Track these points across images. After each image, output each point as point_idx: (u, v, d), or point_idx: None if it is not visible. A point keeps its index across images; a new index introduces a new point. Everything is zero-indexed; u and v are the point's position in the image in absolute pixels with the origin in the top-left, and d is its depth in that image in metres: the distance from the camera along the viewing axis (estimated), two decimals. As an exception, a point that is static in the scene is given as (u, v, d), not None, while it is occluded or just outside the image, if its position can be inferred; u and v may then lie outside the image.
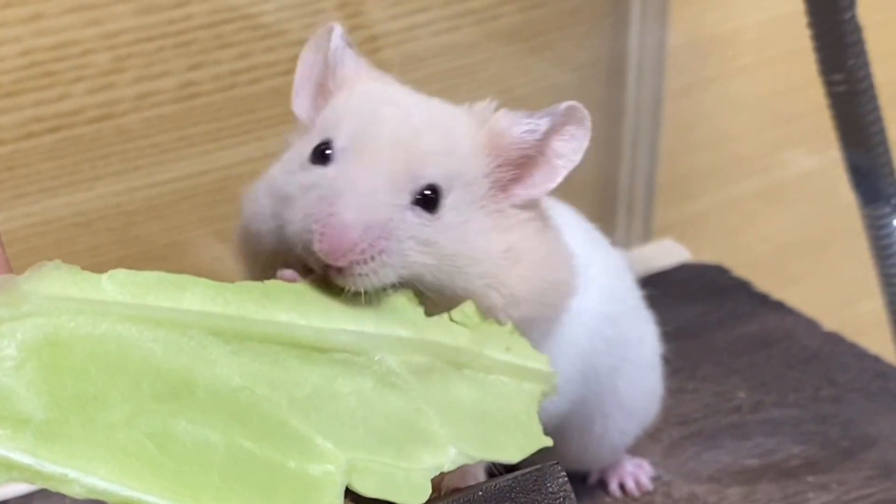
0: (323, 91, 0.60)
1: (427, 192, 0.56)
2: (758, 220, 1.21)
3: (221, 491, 0.48)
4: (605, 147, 1.09)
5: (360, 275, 0.54)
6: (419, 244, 0.55)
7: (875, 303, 0.98)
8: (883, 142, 0.85)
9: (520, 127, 0.58)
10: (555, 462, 0.56)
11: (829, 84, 0.83)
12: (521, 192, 0.59)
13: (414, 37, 0.97)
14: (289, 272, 0.55)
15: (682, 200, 1.16)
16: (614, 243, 1.10)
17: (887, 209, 0.87)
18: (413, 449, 0.52)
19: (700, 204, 1.17)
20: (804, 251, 1.24)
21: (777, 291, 1.01)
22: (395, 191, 0.55)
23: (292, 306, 0.53)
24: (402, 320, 0.55)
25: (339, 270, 0.53)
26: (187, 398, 0.50)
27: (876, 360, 0.90)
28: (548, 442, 0.56)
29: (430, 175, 0.56)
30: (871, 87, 0.83)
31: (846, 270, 1.17)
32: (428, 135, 0.57)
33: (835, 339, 0.93)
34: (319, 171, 0.56)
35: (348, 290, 0.54)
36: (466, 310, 0.57)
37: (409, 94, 0.60)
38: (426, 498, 0.52)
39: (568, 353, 0.65)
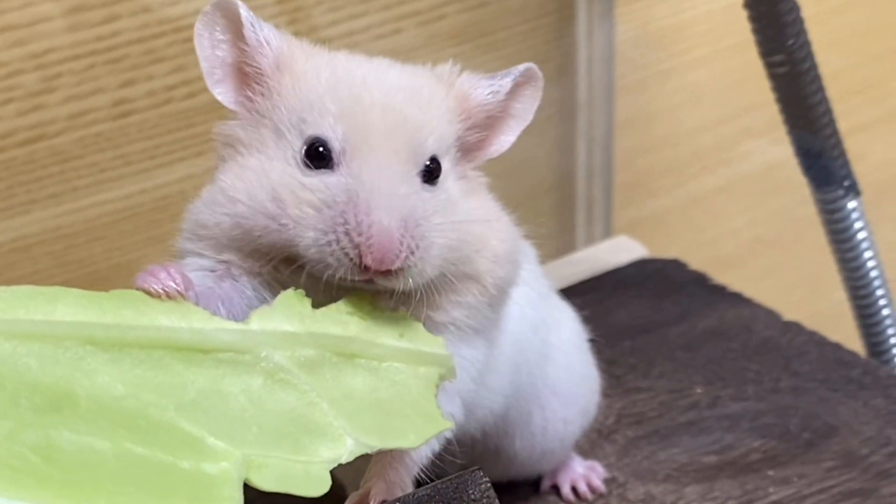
0: (245, 74, 0.58)
1: (429, 164, 0.56)
2: (721, 214, 1.19)
3: (114, 496, 0.48)
4: (560, 146, 1.07)
5: (408, 270, 0.54)
6: (440, 219, 0.55)
7: (843, 294, 0.96)
8: (831, 122, 0.83)
9: (484, 89, 0.59)
10: (477, 468, 0.56)
11: (770, 66, 0.81)
12: (480, 154, 0.60)
13: (355, 42, 0.95)
14: None
15: (642, 198, 1.14)
16: (576, 244, 1.10)
17: (840, 192, 0.85)
18: (309, 443, 0.52)
19: (662, 200, 1.15)
20: (770, 245, 1.22)
21: (743, 287, 0.98)
22: (409, 177, 0.55)
23: (172, 309, 0.52)
24: (287, 315, 0.54)
25: (387, 274, 0.54)
26: (69, 409, 0.49)
27: (837, 347, 0.88)
28: (448, 425, 0.55)
29: (430, 148, 0.56)
30: (813, 66, 0.81)
31: (814, 262, 1.14)
32: (416, 109, 0.56)
33: (795, 329, 0.90)
34: (326, 176, 0.55)
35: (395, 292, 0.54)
36: (356, 299, 0.56)
37: (369, 66, 0.59)
38: (326, 489, 0.51)
39: (500, 345, 0.64)
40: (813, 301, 1.16)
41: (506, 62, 1.02)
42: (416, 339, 0.56)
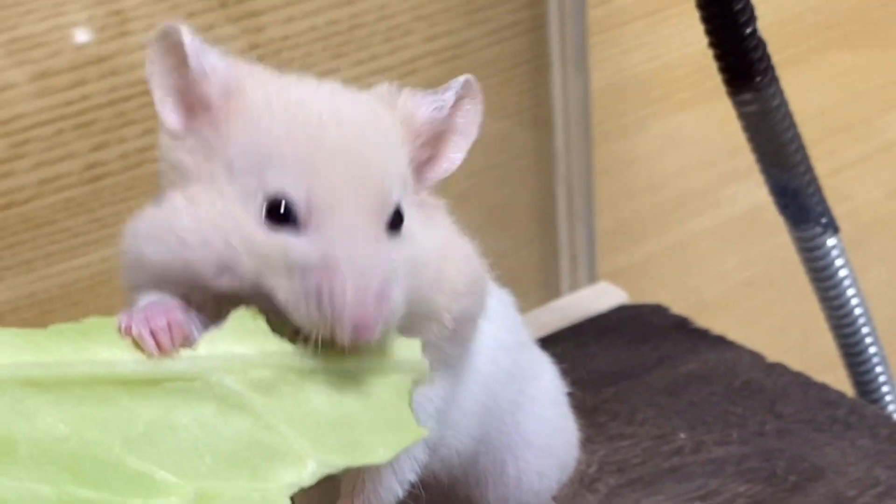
0: (191, 101, 0.55)
1: (393, 216, 0.54)
2: (708, 259, 1.18)
3: None
4: (541, 195, 1.07)
5: (378, 334, 0.52)
6: (406, 276, 0.53)
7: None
8: (805, 159, 0.82)
9: (429, 105, 0.58)
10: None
11: (740, 105, 0.80)
12: (431, 175, 0.58)
13: (328, 99, 0.95)
14: None
15: (627, 244, 1.13)
16: (560, 293, 1.09)
17: (818, 229, 0.84)
18: (268, 468, 0.50)
19: (647, 246, 1.14)
20: (759, 288, 1.21)
21: (733, 332, 0.97)
22: (379, 235, 0.53)
23: (113, 341, 0.50)
24: (238, 335, 0.52)
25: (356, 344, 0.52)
26: (8, 456, 0.47)
27: (822, 387, 0.86)
28: (423, 433, 0.53)
29: (394, 198, 0.54)
30: (783, 103, 0.80)
31: (806, 304, 1.13)
32: (377, 152, 0.54)
33: (779, 371, 0.89)
34: (293, 237, 0.52)
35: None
36: None
37: (322, 96, 0.56)
38: None
39: (468, 384, 0.62)
40: (805, 344, 1.15)
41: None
42: (386, 346, 0.53)
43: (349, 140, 0.54)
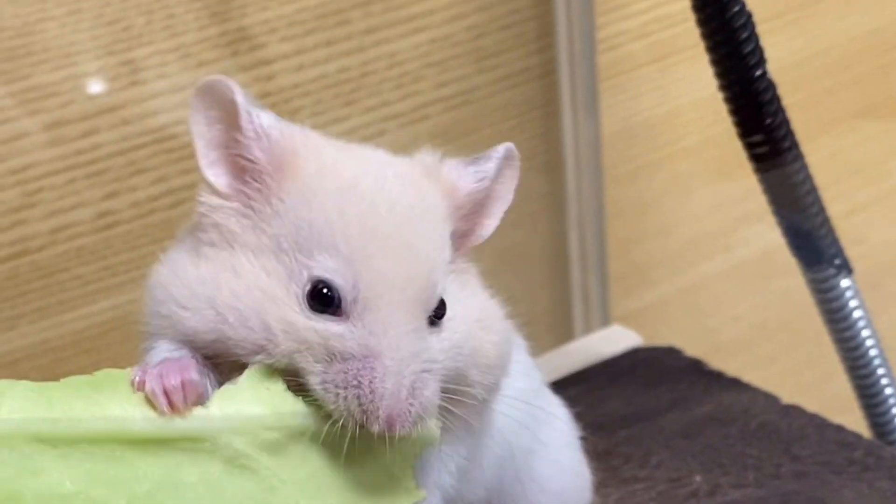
0: (238, 162, 0.54)
1: (437, 308, 0.54)
2: (721, 301, 1.17)
3: None
4: (553, 239, 1.07)
5: (410, 429, 0.52)
6: (442, 363, 0.53)
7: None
8: (817, 200, 0.82)
9: (471, 177, 0.57)
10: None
11: (750, 147, 0.80)
12: (467, 242, 0.58)
13: (339, 146, 0.95)
14: None
15: (640, 288, 1.13)
16: (574, 336, 1.09)
17: (832, 270, 0.84)
18: None
19: (660, 290, 1.14)
20: (773, 330, 1.20)
21: (748, 374, 0.96)
22: (421, 331, 0.53)
23: (125, 396, 0.51)
24: (252, 394, 0.52)
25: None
26: None
27: (839, 429, 0.85)
28: (423, 496, 0.53)
29: (438, 294, 0.54)
30: (794, 145, 0.80)
31: (820, 346, 1.13)
32: (427, 245, 0.54)
33: (795, 412, 0.88)
34: (334, 324, 0.52)
35: None
36: None
37: (374, 175, 0.55)
38: None
39: (487, 437, 0.62)
40: (821, 385, 1.14)
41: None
42: None
43: (399, 227, 0.53)
